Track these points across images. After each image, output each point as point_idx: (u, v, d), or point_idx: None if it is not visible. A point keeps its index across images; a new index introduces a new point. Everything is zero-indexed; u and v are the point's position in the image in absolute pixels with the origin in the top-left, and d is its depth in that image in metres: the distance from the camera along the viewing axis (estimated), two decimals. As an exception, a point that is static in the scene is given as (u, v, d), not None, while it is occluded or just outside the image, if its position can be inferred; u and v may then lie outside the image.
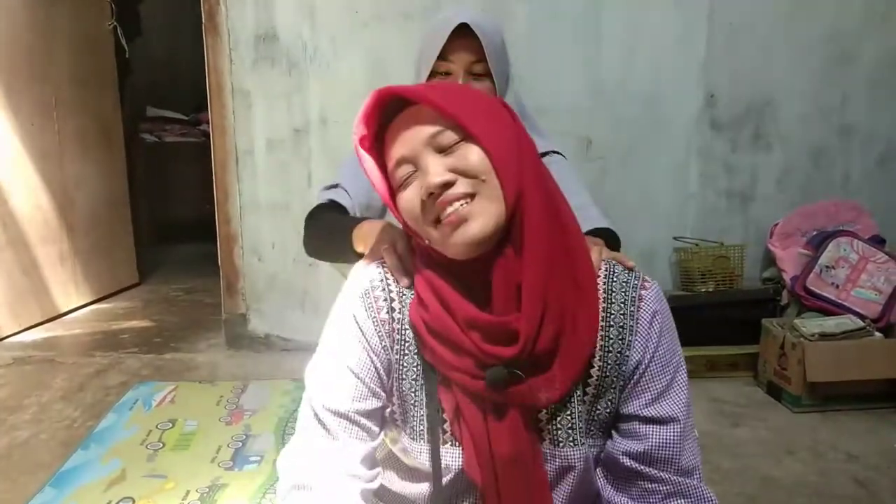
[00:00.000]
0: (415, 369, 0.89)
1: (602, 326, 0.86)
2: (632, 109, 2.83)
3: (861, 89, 2.87)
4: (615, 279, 0.88)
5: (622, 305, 0.87)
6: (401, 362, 0.89)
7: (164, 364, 2.87)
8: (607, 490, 0.90)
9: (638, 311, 0.87)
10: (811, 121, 2.89)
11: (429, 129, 0.80)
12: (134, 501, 1.83)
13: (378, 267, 0.92)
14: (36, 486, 1.91)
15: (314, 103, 2.83)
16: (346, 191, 1.45)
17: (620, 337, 0.86)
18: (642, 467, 0.86)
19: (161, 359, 2.92)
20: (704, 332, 2.63)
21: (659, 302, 0.88)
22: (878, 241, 2.70)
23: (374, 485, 0.91)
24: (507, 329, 0.80)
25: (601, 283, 0.88)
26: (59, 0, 3.32)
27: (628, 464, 0.86)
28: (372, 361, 0.88)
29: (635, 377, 0.86)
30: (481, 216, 0.78)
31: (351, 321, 0.89)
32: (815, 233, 2.75)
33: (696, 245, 2.85)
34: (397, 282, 0.90)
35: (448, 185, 0.78)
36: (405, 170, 0.83)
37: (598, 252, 0.91)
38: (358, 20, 2.77)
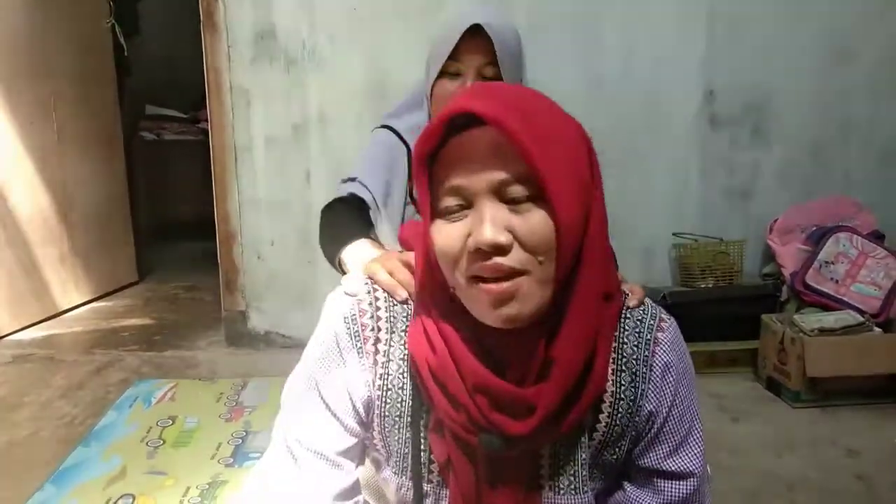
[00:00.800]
0: (399, 406, 0.81)
1: (613, 370, 0.79)
2: (631, 106, 2.83)
3: (860, 85, 2.87)
4: (628, 317, 0.80)
5: (635, 349, 0.79)
6: (384, 398, 0.82)
7: (164, 361, 2.87)
8: None
9: (652, 356, 0.79)
10: (811, 117, 2.88)
11: (499, 175, 0.68)
12: (134, 498, 1.83)
13: (367, 287, 0.84)
14: (36, 483, 1.91)
15: (313, 101, 2.83)
16: (365, 185, 1.43)
17: (633, 384, 0.79)
18: None
19: (161, 356, 2.93)
20: (704, 328, 2.63)
21: (675, 347, 0.81)
22: (877, 237, 2.70)
23: None
24: (525, 403, 0.72)
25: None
26: (57, -2, 3.32)
27: None
28: (351, 398, 0.82)
29: (653, 430, 0.81)
30: (527, 301, 0.69)
31: (333, 349, 0.82)
32: (814, 228, 2.75)
33: (696, 241, 2.85)
34: (387, 307, 0.82)
35: (501, 248, 0.67)
36: (454, 202, 0.71)
37: (635, 301, 0.83)
38: (356, 17, 2.77)
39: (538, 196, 0.68)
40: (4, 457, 2.08)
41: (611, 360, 0.79)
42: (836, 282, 2.59)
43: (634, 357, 0.79)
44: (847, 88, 2.87)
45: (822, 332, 2.38)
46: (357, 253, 1.13)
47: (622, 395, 0.79)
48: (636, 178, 2.84)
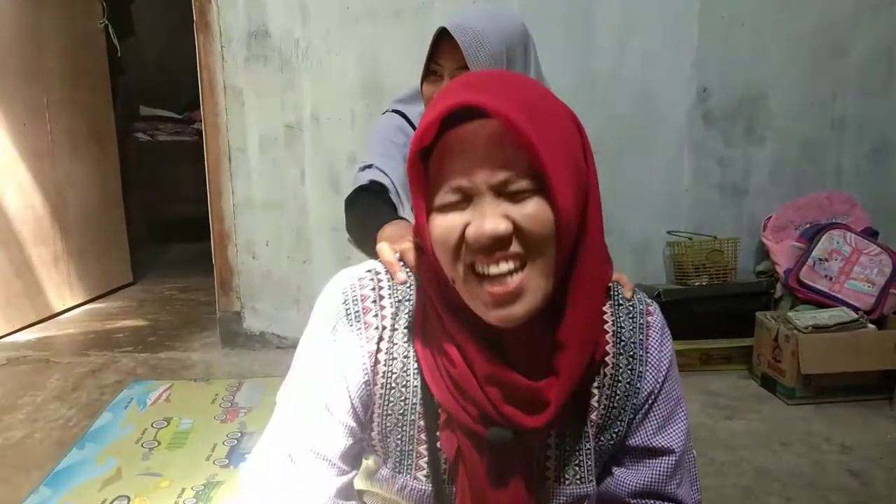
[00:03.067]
0: (402, 404, 0.80)
1: (613, 354, 0.81)
2: (624, 104, 2.84)
3: (853, 82, 2.88)
4: (621, 303, 0.83)
5: (631, 333, 0.81)
6: (386, 397, 0.80)
7: (159, 363, 2.86)
8: None
9: (647, 339, 0.82)
10: (804, 114, 2.89)
11: (502, 173, 0.67)
12: (129, 500, 1.83)
13: (371, 278, 0.82)
14: (31, 485, 1.90)
15: (307, 100, 2.83)
16: (383, 171, 1.43)
17: (630, 367, 0.81)
18: (649, 502, 0.83)
19: (156, 358, 2.92)
20: (698, 326, 2.64)
21: (664, 329, 0.84)
22: (870, 234, 2.71)
23: None
24: (538, 396, 0.72)
25: (608, 309, 0.82)
26: (49, -1, 3.31)
27: (636, 501, 0.83)
28: (350, 397, 0.80)
29: (645, 407, 0.82)
30: (529, 295, 0.69)
31: (330, 344, 0.80)
32: (808, 226, 2.76)
33: (690, 239, 2.86)
34: (392, 302, 0.80)
35: (501, 241, 0.67)
36: (452, 197, 0.70)
37: (630, 292, 0.85)
38: (350, 17, 2.77)
39: (539, 188, 0.68)
40: (-1, 459, 2.08)
41: (609, 346, 0.80)
42: (830, 279, 2.60)
43: (632, 341, 0.81)
44: (839, 85, 2.88)
45: (816, 329, 2.39)
46: (395, 231, 1.13)
47: (620, 378, 0.81)
48: (629, 176, 2.85)
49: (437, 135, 0.70)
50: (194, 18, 2.80)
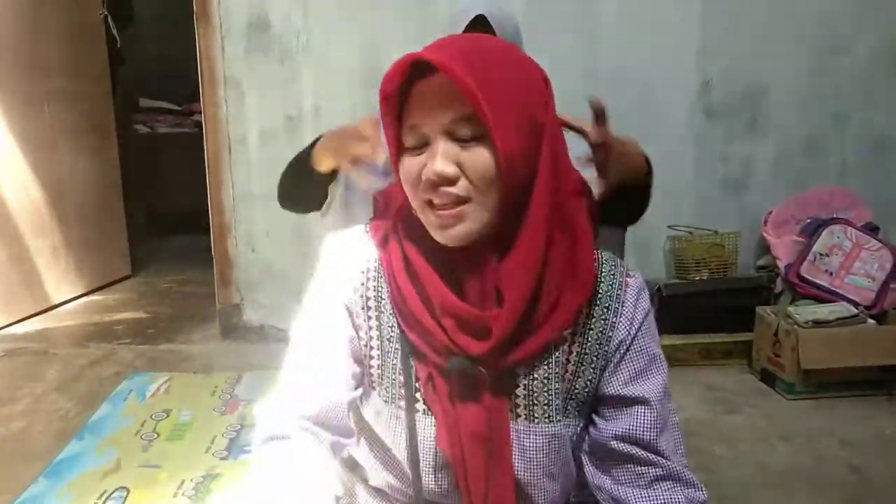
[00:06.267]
0: (390, 330, 0.89)
1: (587, 304, 0.86)
2: (626, 97, 2.82)
3: (856, 78, 2.87)
4: (603, 262, 0.89)
5: (609, 288, 0.87)
6: (380, 319, 0.89)
7: (159, 355, 2.86)
8: (596, 476, 0.90)
9: (624, 294, 0.87)
10: (806, 109, 2.88)
11: (448, 115, 0.77)
12: (128, 491, 1.83)
13: (363, 228, 0.93)
14: (30, 476, 1.90)
15: (307, 92, 2.82)
16: None
17: (604, 317, 0.86)
18: (633, 449, 0.86)
19: (155, 350, 2.92)
20: (698, 320, 2.64)
21: (643, 290, 0.90)
22: (871, 229, 2.70)
23: (352, 438, 0.91)
24: (483, 324, 0.80)
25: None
26: (48, -11, 3.30)
27: (617, 446, 0.86)
28: (350, 321, 0.90)
29: (616, 357, 0.87)
30: (469, 222, 0.78)
31: (328, 280, 0.91)
32: (808, 221, 2.75)
33: (691, 233, 2.85)
34: (373, 252, 0.90)
35: (448, 179, 0.77)
36: (414, 138, 0.80)
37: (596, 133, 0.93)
38: (351, 8, 2.76)
39: (485, 135, 0.76)
40: (-2, 450, 2.08)
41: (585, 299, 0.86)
42: (831, 274, 2.60)
43: (608, 294, 0.87)
44: (842, 80, 2.87)
45: (817, 324, 2.39)
46: (338, 134, 1.21)
47: (592, 326, 0.87)
48: (631, 170, 2.84)
49: (409, 85, 0.80)
50: (194, 9, 2.79)
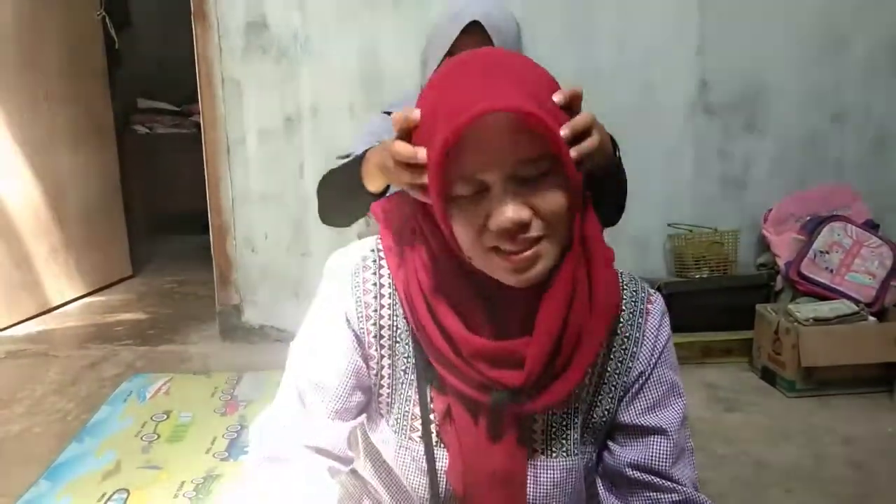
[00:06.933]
0: (405, 360, 0.85)
1: (607, 333, 0.83)
2: (625, 96, 2.82)
3: (854, 74, 2.86)
4: (624, 289, 0.86)
5: (631, 316, 0.85)
6: (393, 348, 0.85)
7: (159, 356, 2.86)
8: (609, 499, 0.88)
9: (645, 323, 0.85)
10: (805, 106, 2.88)
11: (512, 158, 0.70)
12: (129, 493, 1.83)
13: (372, 245, 0.87)
14: (30, 478, 1.90)
15: (306, 92, 2.81)
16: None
17: (624, 347, 0.84)
18: (647, 477, 0.84)
19: (155, 351, 2.92)
20: (698, 318, 2.63)
21: (664, 317, 0.87)
22: (871, 226, 2.70)
23: (350, 465, 0.88)
24: (516, 355, 0.76)
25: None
26: (46, -10, 3.29)
27: (631, 474, 0.85)
28: (358, 350, 0.84)
29: (635, 388, 0.85)
30: (545, 261, 0.74)
31: (336, 305, 0.85)
32: (808, 218, 2.75)
33: (690, 231, 2.85)
34: (389, 274, 0.84)
35: (523, 225, 0.71)
36: (468, 187, 0.72)
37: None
38: (349, 7, 2.75)
39: (550, 170, 0.72)
40: (-2, 452, 2.08)
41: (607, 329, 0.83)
42: (831, 271, 2.59)
43: (629, 323, 0.85)
44: (841, 77, 2.87)
45: (817, 321, 2.38)
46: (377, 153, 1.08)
47: (612, 356, 0.84)
48: (630, 168, 2.77)
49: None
50: (192, 9, 2.78)
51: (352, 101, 2.79)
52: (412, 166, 0.76)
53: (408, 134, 0.78)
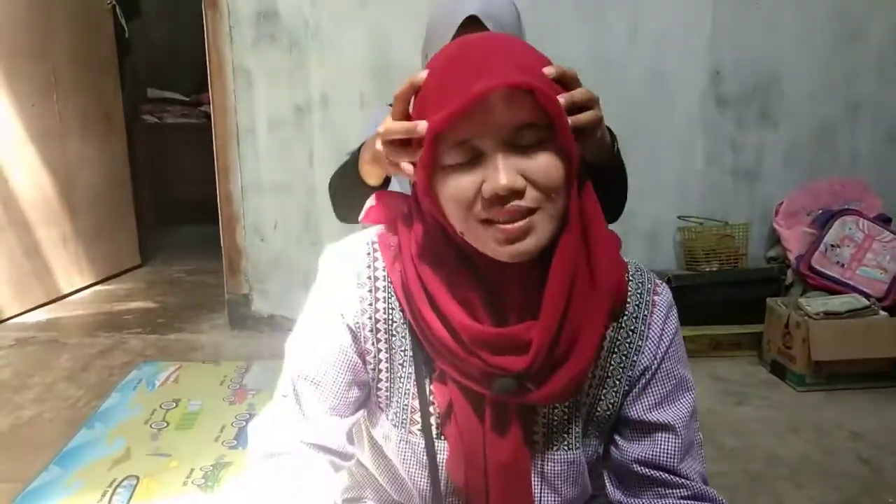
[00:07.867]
0: (402, 353, 0.83)
1: (613, 327, 0.83)
2: (637, 87, 2.80)
3: (868, 66, 2.84)
4: (630, 279, 0.84)
5: (636, 308, 0.83)
6: (390, 342, 0.84)
7: (168, 344, 2.87)
8: (616, 494, 0.87)
9: (651, 315, 0.84)
10: (818, 98, 2.86)
11: (507, 124, 0.70)
12: (138, 479, 1.84)
13: (366, 238, 0.86)
14: (41, 464, 1.91)
15: (316, 81, 2.81)
16: None
17: (629, 340, 0.83)
18: (655, 473, 0.83)
19: (164, 339, 2.93)
20: (708, 312, 2.62)
21: (671, 309, 0.85)
22: (883, 220, 2.68)
23: (351, 461, 0.88)
24: (519, 340, 0.75)
25: None
26: (57, -22, 3.29)
27: (638, 469, 0.84)
28: (354, 345, 0.83)
29: (641, 382, 0.84)
30: (538, 234, 0.72)
31: (330, 300, 0.84)
32: (820, 211, 2.73)
33: (701, 224, 2.84)
34: (384, 267, 0.83)
35: (516, 192, 0.70)
36: (461, 154, 0.72)
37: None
38: (359, -3, 2.74)
39: (545, 138, 0.71)
40: (9, 439, 2.09)
41: (611, 319, 0.82)
42: (842, 265, 2.58)
43: (634, 315, 0.83)
44: (855, 69, 2.84)
45: (828, 315, 2.37)
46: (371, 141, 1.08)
47: (616, 349, 0.83)
48: (641, 159, 2.80)
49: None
50: (202, -2, 2.78)
51: (362, 91, 2.78)
52: (406, 144, 0.76)
53: (406, 114, 0.77)
